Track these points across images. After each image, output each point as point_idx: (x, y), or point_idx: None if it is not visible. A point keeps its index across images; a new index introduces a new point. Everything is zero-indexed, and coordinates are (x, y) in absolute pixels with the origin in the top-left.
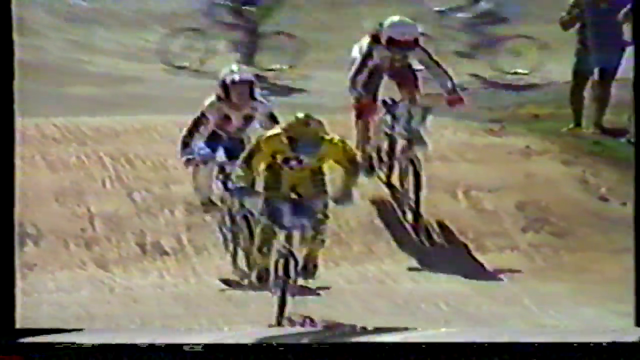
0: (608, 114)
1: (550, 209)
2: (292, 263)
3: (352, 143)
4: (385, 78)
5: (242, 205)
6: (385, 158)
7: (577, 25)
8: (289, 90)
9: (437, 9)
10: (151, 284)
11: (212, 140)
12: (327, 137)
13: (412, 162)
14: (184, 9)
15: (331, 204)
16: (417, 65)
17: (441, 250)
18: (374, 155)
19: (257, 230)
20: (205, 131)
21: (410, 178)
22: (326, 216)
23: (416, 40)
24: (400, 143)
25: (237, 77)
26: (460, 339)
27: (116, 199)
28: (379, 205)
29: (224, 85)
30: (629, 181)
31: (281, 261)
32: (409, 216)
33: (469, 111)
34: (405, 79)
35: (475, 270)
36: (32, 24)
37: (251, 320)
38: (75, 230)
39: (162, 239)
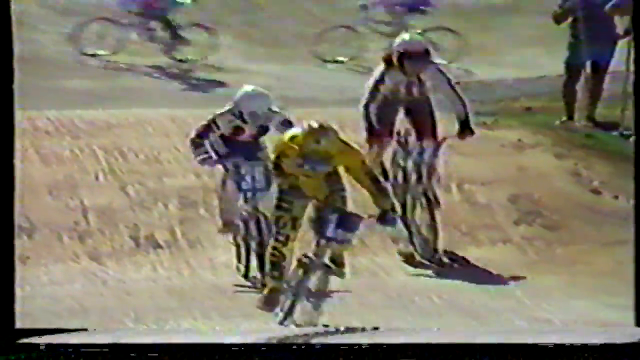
0: (600, 107)
1: (543, 201)
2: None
3: None
4: (401, 115)
5: (255, 209)
6: (398, 190)
7: (570, 19)
8: (207, 83)
9: (360, 3)
10: (145, 277)
11: (227, 144)
12: (345, 142)
13: (427, 199)
14: None
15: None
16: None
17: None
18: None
19: (267, 254)
20: (214, 137)
21: (426, 216)
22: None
23: (427, 52)
24: (413, 176)
25: (252, 108)
26: (460, 339)
27: (110, 193)
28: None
29: (240, 112)
30: (622, 174)
31: (300, 270)
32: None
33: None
34: (423, 118)
35: (482, 275)
36: (27, 17)
37: (245, 313)
38: (68, 223)
39: (155, 233)
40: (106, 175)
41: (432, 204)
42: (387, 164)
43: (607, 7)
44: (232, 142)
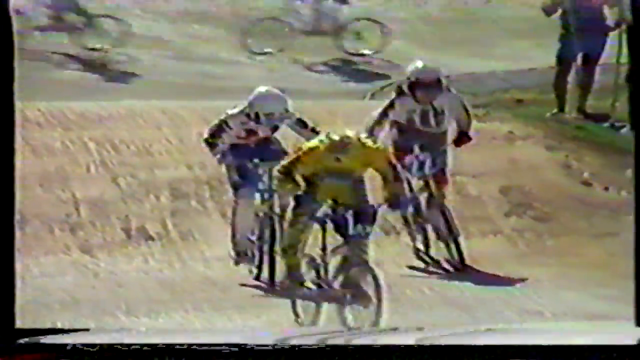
0: (591, 99)
1: (534, 193)
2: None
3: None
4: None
5: (270, 209)
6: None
7: (560, 11)
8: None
9: None
10: (136, 269)
11: (239, 151)
12: (368, 145)
13: (442, 211)
14: None
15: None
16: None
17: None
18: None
19: (289, 231)
20: (227, 138)
21: (442, 227)
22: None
23: (439, 81)
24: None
25: (268, 110)
26: (459, 340)
27: (101, 184)
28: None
29: (256, 113)
30: (612, 166)
31: (312, 272)
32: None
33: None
34: (438, 159)
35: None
36: (15, 8)
37: (237, 305)
38: (59, 215)
39: (147, 224)
40: (97, 167)
41: (446, 215)
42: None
43: None
44: (244, 148)
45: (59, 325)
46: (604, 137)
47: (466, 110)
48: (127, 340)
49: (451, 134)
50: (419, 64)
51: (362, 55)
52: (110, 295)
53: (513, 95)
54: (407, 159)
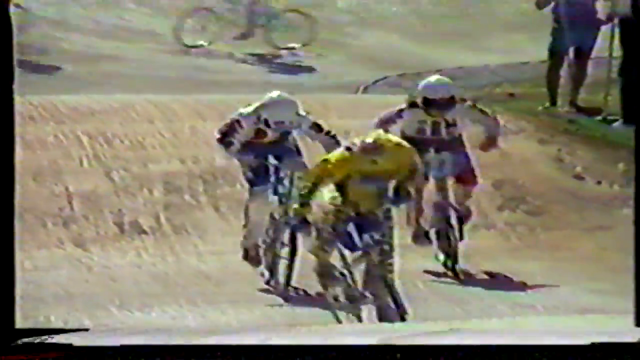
0: (583, 92)
1: (526, 187)
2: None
3: None
4: (432, 153)
5: (286, 213)
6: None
7: (552, 4)
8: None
9: None
10: (129, 263)
11: (253, 149)
12: (401, 144)
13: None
14: None
15: None
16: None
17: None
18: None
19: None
20: (239, 137)
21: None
22: (392, 235)
23: (452, 98)
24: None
25: (278, 118)
26: (458, 340)
27: (94, 178)
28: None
29: (265, 119)
30: (604, 159)
31: (341, 288)
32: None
33: None
34: (456, 158)
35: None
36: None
37: (231, 300)
38: (53, 209)
39: (140, 218)
40: (90, 161)
41: (462, 216)
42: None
43: None
44: (258, 146)
45: (52, 319)
46: (596, 130)
47: (486, 114)
48: (127, 340)
49: (467, 138)
50: (432, 79)
51: (291, 48)
52: (103, 289)
53: (505, 89)
54: (427, 156)
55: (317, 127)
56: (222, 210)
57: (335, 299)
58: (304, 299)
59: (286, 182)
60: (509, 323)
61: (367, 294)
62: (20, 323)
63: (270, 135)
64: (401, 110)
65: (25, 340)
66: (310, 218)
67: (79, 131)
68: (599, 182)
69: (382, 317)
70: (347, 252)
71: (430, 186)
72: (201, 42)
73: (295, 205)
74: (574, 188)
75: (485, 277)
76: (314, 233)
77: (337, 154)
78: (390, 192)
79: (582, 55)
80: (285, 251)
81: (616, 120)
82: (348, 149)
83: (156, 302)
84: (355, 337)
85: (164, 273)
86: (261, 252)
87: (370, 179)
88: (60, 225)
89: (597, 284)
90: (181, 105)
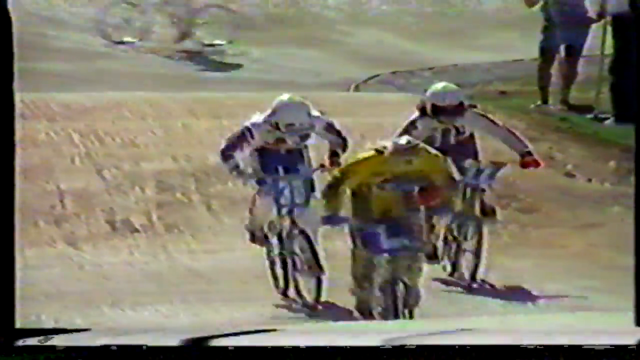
0: (574, 90)
1: (517, 185)
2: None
3: None
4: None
5: (294, 224)
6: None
7: (542, 2)
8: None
9: None
10: (121, 262)
11: (265, 155)
12: (427, 149)
13: (478, 224)
14: None
15: None
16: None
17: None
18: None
19: (357, 263)
20: (247, 148)
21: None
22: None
23: (461, 104)
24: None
25: (288, 120)
26: (456, 340)
27: (86, 176)
28: None
29: (276, 123)
30: (595, 157)
31: (387, 292)
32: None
33: None
34: (464, 157)
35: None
36: None
37: (224, 298)
38: (44, 207)
39: (132, 217)
40: (82, 159)
41: (481, 230)
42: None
43: None
44: (272, 153)
45: (43, 318)
46: (588, 128)
47: (495, 124)
48: (127, 340)
49: (480, 146)
50: (440, 85)
51: (215, 45)
52: (95, 287)
53: (496, 87)
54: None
55: (330, 128)
56: (215, 209)
57: (370, 312)
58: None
59: (287, 192)
60: (499, 322)
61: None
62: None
63: (289, 142)
64: (414, 121)
65: (25, 340)
66: (343, 213)
67: (71, 129)
68: (590, 180)
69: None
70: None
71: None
72: (128, 39)
73: (324, 201)
74: (565, 186)
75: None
76: (350, 273)
77: (365, 153)
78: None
79: (573, 53)
80: (299, 261)
81: (607, 118)
82: (378, 151)
83: (149, 301)
84: (351, 337)
85: (156, 271)
86: (266, 228)
87: (402, 180)
88: (52, 223)
89: (588, 281)
90: (174, 103)
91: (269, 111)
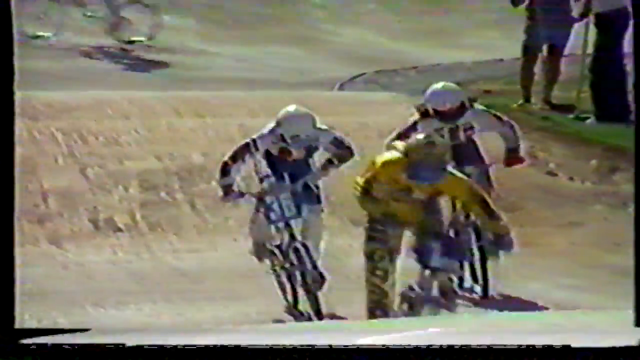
0: (557, 89)
1: (500, 183)
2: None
3: None
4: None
5: (292, 237)
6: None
7: (527, 1)
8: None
9: None
10: (105, 261)
11: (273, 164)
12: (451, 172)
13: (477, 233)
14: None
15: None
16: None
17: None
18: None
19: (366, 291)
20: (250, 160)
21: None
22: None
23: (462, 105)
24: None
25: (293, 132)
26: (454, 340)
27: (69, 175)
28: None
29: (282, 134)
30: (577, 156)
31: (405, 305)
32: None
33: (423, 87)
34: (469, 159)
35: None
36: None
37: (208, 297)
38: (27, 206)
39: (115, 216)
40: (65, 158)
41: (478, 230)
42: None
43: None
44: (278, 164)
45: (27, 317)
46: (570, 127)
47: (500, 119)
48: (128, 340)
49: (482, 146)
50: (439, 86)
51: (135, 42)
52: (78, 286)
53: (480, 86)
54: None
55: (339, 142)
56: (199, 208)
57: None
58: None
59: (275, 207)
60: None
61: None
62: None
63: (295, 153)
64: (415, 123)
65: (25, 340)
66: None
67: (54, 128)
68: (572, 179)
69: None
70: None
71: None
72: (44, 33)
73: (366, 202)
74: (547, 184)
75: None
76: (366, 232)
77: (384, 156)
78: (442, 211)
79: (556, 52)
80: (308, 277)
81: (589, 117)
82: (400, 152)
83: (132, 300)
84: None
85: (140, 271)
86: (267, 245)
87: (424, 169)
88: (35, 222)
89: (570, 279)
90: (157, 102)
91: (273, 123)
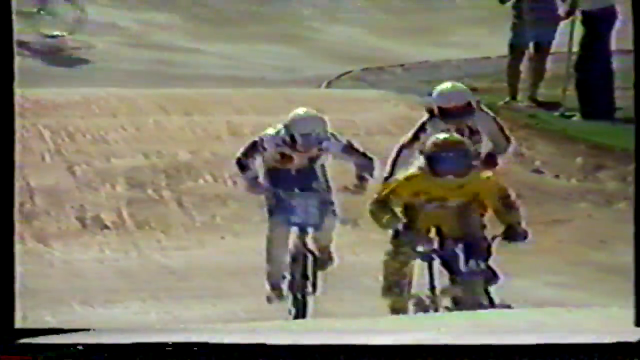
0: (543, 87)
1: None
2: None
3: None
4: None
5: (304, 245)
6: None
7: None
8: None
9: None
10: (92, 259)
11: (276, 176)
12: (476, 172)
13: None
14: None
15: None
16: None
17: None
18: None
19: (386, 271)
20: (259, 158)
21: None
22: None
23: (469, 104)
24: None
25: (304, 133)
26: (453, 339)
27: (56, 173)
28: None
29: (291, 135)
30: (563, 154)
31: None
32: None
33: (410, 85)
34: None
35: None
36: None
37: (195, 295)
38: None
39: (102, 213)
40: (52, 156)
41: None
42: None
43: None
44: (283, 173)
45: (17, 317)
46: (555, 125)
47: (502, 130)
48: (127, 340)
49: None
50: (446, 85)
51: (55, 36)
52: (66, 285)
53: (467, 84)
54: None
55: (350, 149)
56: (186, 205)
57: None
58: None
59: (299, 211)
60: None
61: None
62: None
63: (296, 160)
64: (424, 124)
65: (25, 340)
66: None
67: (41, 125)
68: (558, 176)
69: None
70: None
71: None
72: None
73: (384, 219)
74: (533, 182)
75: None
76: (390, 233)
77: (407, 172)
78: (478, 220)
79: (542, 50)
80: (309, 285)
81: (574, 115)
82: (419, 167)
83: (119, 298)
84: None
85: (127, 268)
86: (285, 285)
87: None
88: (22, 220)
89: (555, 277)
90: (144, 99)
91: (280, 125)
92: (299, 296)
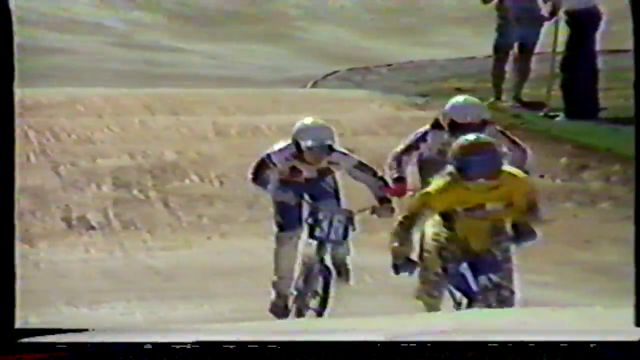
0: (527, 87)
1: None
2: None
3: None
4: None
5: (321, 261)
6: None
7: (496, 0)
8: None
9: None
10: (77, 259)
11: (288, 185)
12: (507, 169)
13: None
14: None
15: None
16: None
17: None
18: None
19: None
20: (271, 174)
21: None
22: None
23: (483, 122)
24: None
25: (311, 143)
26: (437, 338)
27: (41, 173)
28: None
29: (297, 145)
30: (547, 153)
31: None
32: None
33: (396, 85)
34: None
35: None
36: None
37: (181, 295)
38: None
39: (88, 214)
40: (37, 156)
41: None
42: None
43: None
44: (293, 185)
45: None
46: (540, 125)
47: (514, 143)
48: (127, 340)
49: None
50: (460, 99)
51: None
52: (51, 285)
53: (452, 84)
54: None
55: (363, 166)
56: (172, 206)
57: None
58: None
59: (325, 224)
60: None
61: None
62: None
63: (305, 173)
64: (425, 134)
65: (25, 340)
66: (414, 257)
67: (26, 125)
68: (542, 176)
69: None
70: (458, 295)
71: None
72: None
73: (395, 244)
74: None
75: None
76: (418, 277)
77: (437, 180)
78: (508, 228)
79: (526, 50)
80: (315, 302)
81: (558, 115)
82: (450, 173)
83: (105, 299)
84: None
85: (112, 269)
86: (290, 302)
87: (489, 204)
88: None
89: (541, 276)
90: (130, 99)
91: (289, 140)
92: (304, 312)
